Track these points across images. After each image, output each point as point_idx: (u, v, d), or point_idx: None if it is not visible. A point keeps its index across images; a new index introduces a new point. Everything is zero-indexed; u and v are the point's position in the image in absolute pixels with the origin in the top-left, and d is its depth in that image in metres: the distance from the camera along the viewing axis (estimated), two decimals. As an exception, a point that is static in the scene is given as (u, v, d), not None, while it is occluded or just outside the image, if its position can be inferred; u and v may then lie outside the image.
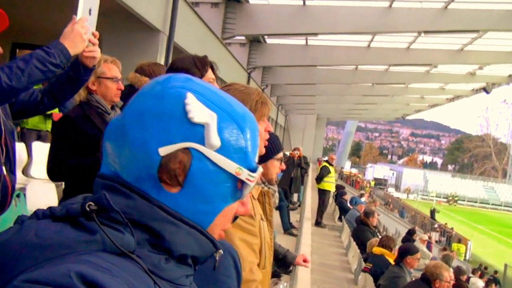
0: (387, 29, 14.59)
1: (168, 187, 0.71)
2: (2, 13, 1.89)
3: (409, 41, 18.15)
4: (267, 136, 1.82)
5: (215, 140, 0.70)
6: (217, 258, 0.80)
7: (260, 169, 0.76)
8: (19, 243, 0.62)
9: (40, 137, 5.98)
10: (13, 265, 0.61)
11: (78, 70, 2.00)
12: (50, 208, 0.68)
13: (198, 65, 2.13)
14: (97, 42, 1.99)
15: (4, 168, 1.96)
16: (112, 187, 0.71)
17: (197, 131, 0.70)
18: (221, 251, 0.79)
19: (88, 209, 0.66)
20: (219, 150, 0.71)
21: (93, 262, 0.60)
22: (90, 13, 1.98)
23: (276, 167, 2.25)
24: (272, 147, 2.27)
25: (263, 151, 1.84)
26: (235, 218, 1.16)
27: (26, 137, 6.07)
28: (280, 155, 2.27)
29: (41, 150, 4.92)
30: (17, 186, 3.55)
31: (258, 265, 1.66)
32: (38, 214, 0.67)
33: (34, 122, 6.12)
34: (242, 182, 0.74)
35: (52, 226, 0.64)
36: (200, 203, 0.72)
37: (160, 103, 0.70)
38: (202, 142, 0.70)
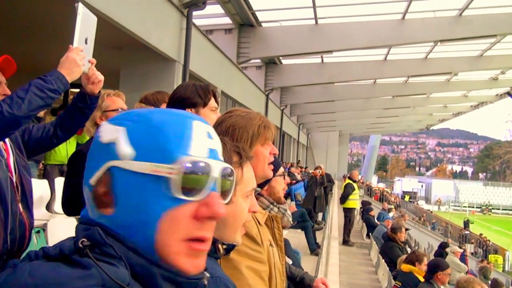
0: (402, 41, 14.49)
1: (105, 211, 0.73)
2: (9, 59, 1.98)
3: (426, 51, 17.96)
4: (272, 159, 1.80)
5: (126, 150, 0.72)
6: (205, 282, 0.78)
7: (191, 157, 0.72)
8: (13, 284, 0.62)
9: (63, 172, 6.11)
10: None
11: (85, 100, 2.09)
12: (42, 248, 0.68)
13: (201, 94, 2.13)
14: (94, 61, 2.08)
15: (20, 205, 1.98)
16: (82, 222, 0.75)
17: (110, 149, 0.73)
18: (207, 274, 0.78)
19: (81, 245, 0.66)
20: (136, 158, 0.72)
21: None
22: (86, 42, 2.07)
23: (280, 183, 2.22)
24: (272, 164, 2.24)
25: (270, 175, 1.82)
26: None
27: (49, 174, 6.21)
28: (281, 170, 2.24)
29: (64, 185, 5.00)
30: (41, 222, 3.63)
31: (269, 292, 1.62)
32: (31, 256, 0.68)
33: (56, 157, 6.27)
34: (169, 179, 0.71)
35: (46, 265, 0.65)
36: (136, 214, 0.71)
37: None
38: (116, 157, 0.72)
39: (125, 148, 0.72)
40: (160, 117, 0.75)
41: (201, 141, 0.75)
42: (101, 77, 2.11)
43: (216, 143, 0.79)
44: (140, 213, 0.71)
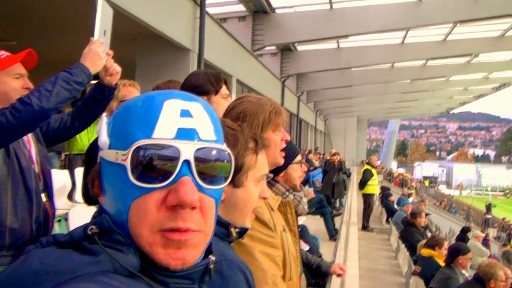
0: (419, 23, 14.18)
1: (100, 199, 0.75)
2: (32, 53, 2.05)
3: (445, 32, 17.57)
4: (283, 146, 1.79)
5: (103, 139, 0.73)
6: (211, 266, 0.76)
7: (146, 140, 0.67)
8: (24, 272, 0.63)
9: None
10: None
11: (103, 91, 2.14)
12: (53, 236, 0.69)
13: (212, 81, 2.15)
14: (112, 53, 2.13)
15: (43, 195, 2.06)
16: (97, 210, 0.75)
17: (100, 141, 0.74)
18: (212, 257, 0.76)
19: (90, 232, 0.67)
20: (109, 146, 0.72)
21: (102, 282, 0.61)
22: (104, 34, 2.13)
23: (297, 171, 2.21)
24: (288, 152, 2.23)
25: (281, 162, 1.82)
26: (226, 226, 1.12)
27: (72, 164, 6.32)
28: (298, 158, 2.23)
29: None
30: (63, 211, 3.71)
31: (284, 277, 1.63)
32: (43, 242, 0.69)
33: (78, 147, 6.37)
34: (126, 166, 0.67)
35: (56, 252, 0.65)
36: (114, 204, 0.71)
37: None
38: (101, 147, 0.74)
39: (103, 138, 0.73)
40: (131, 102, 0.73)
41: (169, 121, 0.68)
42: (118, 68, 2.16)
43: (194, 122, 0.70)
44: (117, 202, 0.70)
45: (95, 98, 2.15)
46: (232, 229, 1.17)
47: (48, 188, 2.12)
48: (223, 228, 1.14)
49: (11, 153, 1.94)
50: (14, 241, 1.90)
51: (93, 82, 2.23)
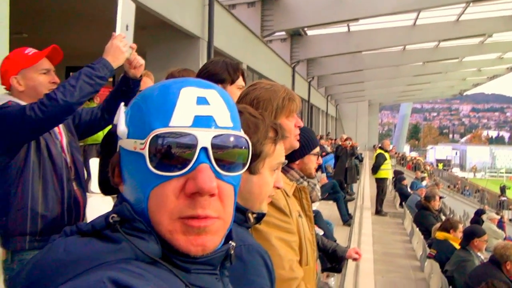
0: (432, 3, 13.94)
1: (121, 188, 0.75)
2: (57, 48, 2.17)
3: (457, 13, 17.24)
4: (297, 132, 1.80)
5: (121, 129, 0.73)
6: (232, 252, 0.77)
7: (164, 129, 0.67)
8: (50, 260, 0.64)
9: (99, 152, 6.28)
10: (47, 282, 0.63)
11: (128, 84, 2.22)
12: (77, 225, 0.70)
13: (230, 71, 2.17)
14: (135, 46, 2.19)
15: (74, 183, 2.20)
16: (119, 199, 0.76)
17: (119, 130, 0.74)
18: (233, 243, 0.77)
19: (111, 220, 0.68)
20: (128, 135, 0.72)
21: (125, 269, 0.62)
22: (127, 29, 2.17)
23: (313, 161, 2.23)
24: (308, 142, 2.24)
25: (297, 145, 1.83)
26: (243, 211, 1.13)
27: (87, 154, 6.40)
28: (317, 149, 2.25)
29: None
30: (78, 202, 3.77)
31: (300, 262, 1.64)
32: (66, 232, 0.70)
33: (93, 137, 6.44)
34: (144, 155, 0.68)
35: (79, 241, 0.67)
36: (134, 192, 0.72)
37: None
38: (119, 136, 0.74)
39: (121, 127, 0.73)
40: (147, 91, 0.74)
41: (186, 109, 0.69)
42: (142, 61, 2.23)
43: (211, 109, 0.70)
44: (136, 191, 0.71)
45: (122, 91, 2.24)
46: (250, 215, 1.18)
47: (79, 177, 2.25)
48: (240, 213, 1.15)
49: (41, 144, 2.08)
50: (46, 227, 2.04)
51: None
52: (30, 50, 2.16)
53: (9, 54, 2.22)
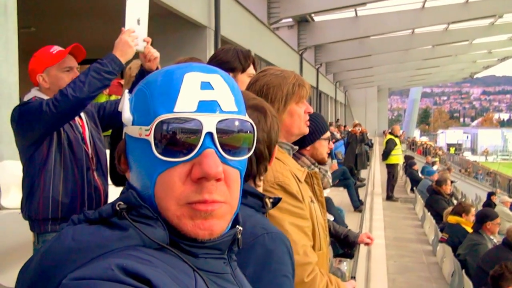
0: (440, -15, 13.69)
1: (127, 175, 0.76)
2: (79, 46, 2.28)
3: (467, -6, 16.96)
4: (307, 118, 1.79)
5: (126, 115, 0.73)
6: (239, 236, 0.77)
7: (168, 115, 0.67)
8: (58, 249, 0.65)
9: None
10: (57, 270, 0.63)
11: (144, 76, 2.18)
12: (84, 213, 0.71)
13: (241, 59, 2.17)
14: (149, 40, 2.25)
15: (95, 173, 2.32)
16: (126, 187, 0.77)
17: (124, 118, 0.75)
18: (240, 227, 0.77)
19: (118, 208, 0.68)
20: (133, 122, 0.73)
21: (133, 255, 0.63)
22: (139, 23, 2.20)
23: (324, 146, 2.23)
24: (318, 127, 2.24)
25: (307, 131, 1.83)
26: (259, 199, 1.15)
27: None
28: (327, 134, 2.24)
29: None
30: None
31: (314, 247, 1.65)
32: (74, 220, 0.71)
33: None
34: (155, 142, 0.68)
35: (87, 229, 0.67)
36: (140, 179, 0.72)
37: None
38: (124, 124, 0.74)
39: (126, 114, 0.73)
40: (151, 77, 0.74)
41: (190, 94, 0.69)
42: (156, 54, 2.27)
43: (215, 94, 0.70)
44: (143, 177, 0.71)
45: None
46: (267, 200, 1.19)
47: (102, 167, 2.37)
48: (258, 199, 1.16)
49: (62, 136, 2.22)
50: (66, 214, 2.18)
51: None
52: (55, 49, 2.27)
53: (36, 52, 2.32)
